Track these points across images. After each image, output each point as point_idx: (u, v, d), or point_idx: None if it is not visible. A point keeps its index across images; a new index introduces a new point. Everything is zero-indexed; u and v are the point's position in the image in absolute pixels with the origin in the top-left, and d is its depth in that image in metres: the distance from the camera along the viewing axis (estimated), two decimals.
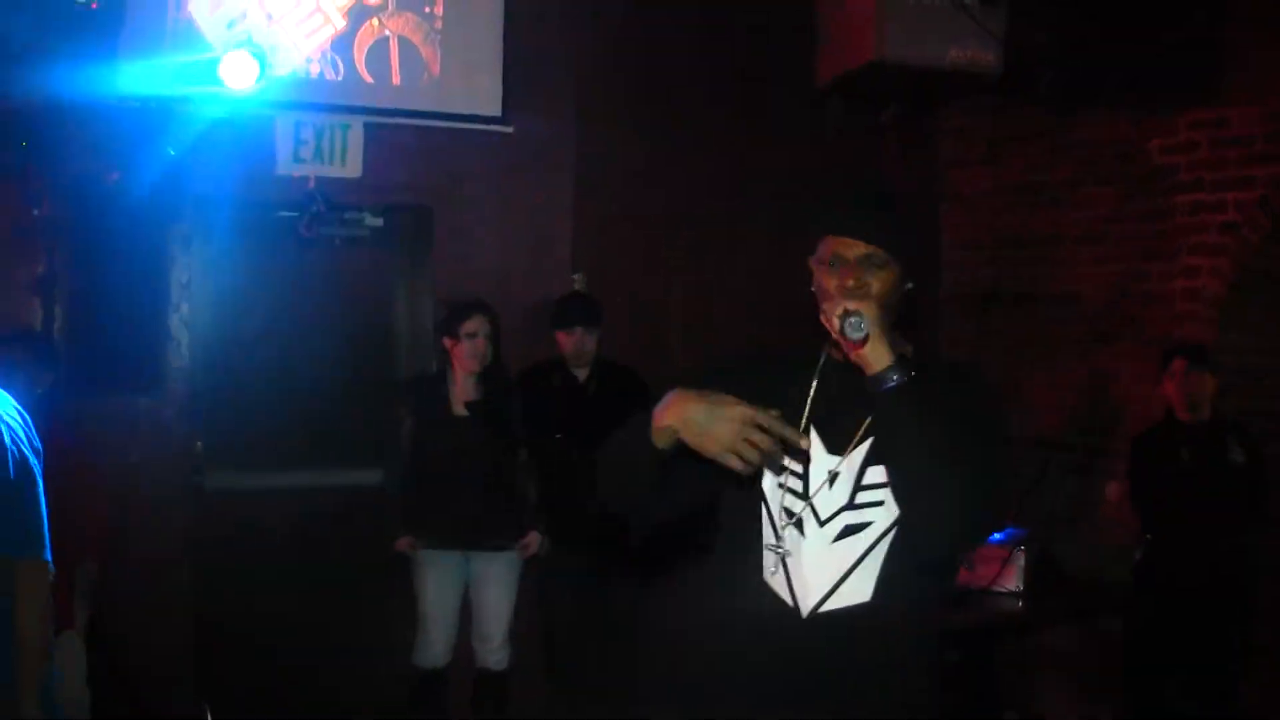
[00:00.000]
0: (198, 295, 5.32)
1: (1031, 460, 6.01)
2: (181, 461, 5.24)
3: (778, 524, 2.43)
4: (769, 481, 2.46)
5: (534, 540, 5.01)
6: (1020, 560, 4.87)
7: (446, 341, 4.97)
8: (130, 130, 4.79)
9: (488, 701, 5.13)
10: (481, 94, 5.56)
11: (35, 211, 4.91)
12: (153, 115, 4.88)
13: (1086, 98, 5.86)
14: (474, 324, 4.91)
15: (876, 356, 2.24)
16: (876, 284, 2.36)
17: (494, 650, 5.07)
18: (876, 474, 2.37)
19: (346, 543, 5.43)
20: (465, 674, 5.16)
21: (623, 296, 5.72)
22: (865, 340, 2.23)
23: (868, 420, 2.37)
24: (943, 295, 6.78)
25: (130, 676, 4.99)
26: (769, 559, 2.43)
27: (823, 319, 2.31)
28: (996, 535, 4.98)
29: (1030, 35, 5.77)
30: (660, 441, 2.23)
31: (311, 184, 5.30)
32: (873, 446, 2.38)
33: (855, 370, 2.32)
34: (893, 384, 2.23)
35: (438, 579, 4.98)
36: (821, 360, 2.49)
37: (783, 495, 2.43)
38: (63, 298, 5.02)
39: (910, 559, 2.35)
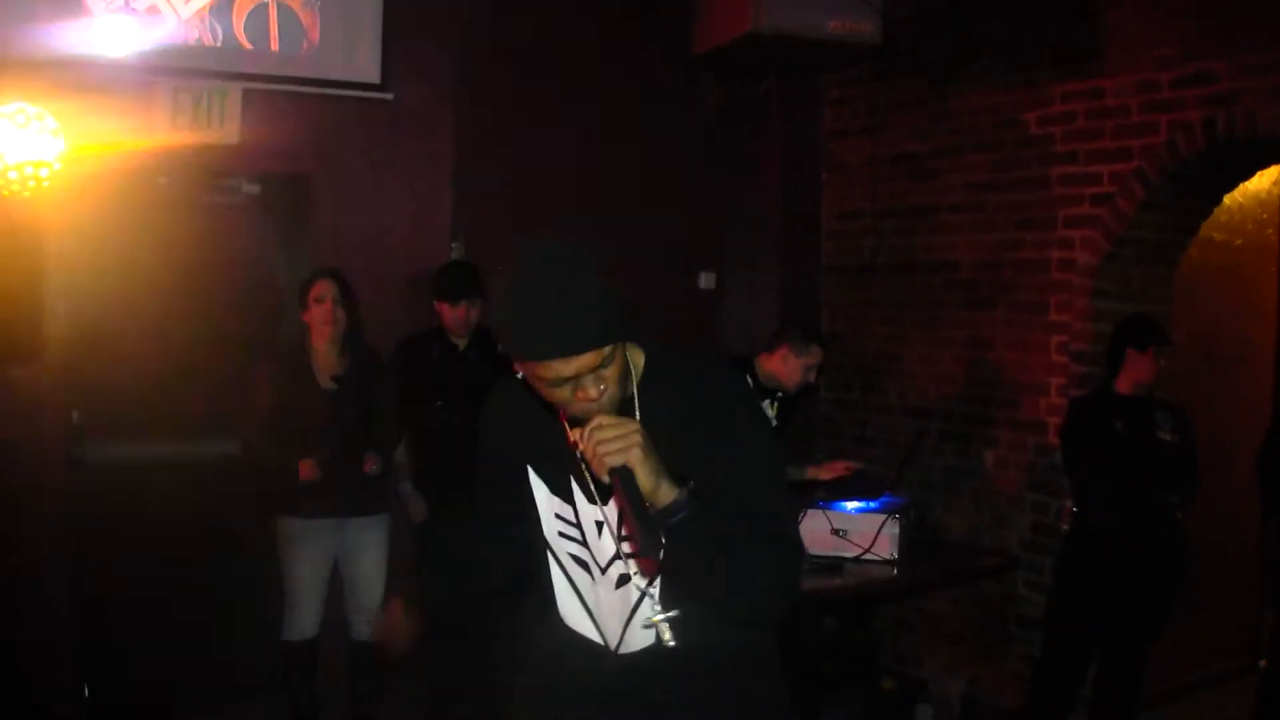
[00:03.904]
0: (73, 264, 5.23)
1: (909, 428, 6.08)
2: (59, 433, 5.17)
3: (567, 569, 2.39)
4: (549, 528, 2.39)
5: (372, 460, 4.93)
6: (894, 529, 4.93)
7: (302, 314, 4.95)
8: (3, 95, 4.70)
9: (365, 672, 5.13)
10: (361, 61, 5.49)
11: None
12: (29, 81, 4.79)
13: (964, 67, 5.92)
14: (320, 288, 4.89)
15: (660, 494, 2.00)
16: (611, 377, 2.11)
17: (370, 621, 5.07)
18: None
19: (228, 512, 5.42)
20: (332, 644, 5.15)
21: (503, 264, 5.67)
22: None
23: None
24: (824, 264, 6.84)
25: (9, 652, 4.96)
26: (570, 602, 2.41)
27: (572, 436, 2.13)
28: (873, 504, 5.06)
29: (908, 5, 5.82)
30: None
31: (189, 151, 5.24)
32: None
33: None
34: (681, 516, 2.00)
35: (308, 551, 4.94)
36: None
37: (565, 542, 2.37)
38: None
39: (688, 606, 2.22)
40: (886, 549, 4.92)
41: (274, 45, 5.38)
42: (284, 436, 4.82)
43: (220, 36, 5.28)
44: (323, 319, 4.88)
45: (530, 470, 2.40)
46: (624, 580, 2.32)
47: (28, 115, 4.63)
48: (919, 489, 5.94)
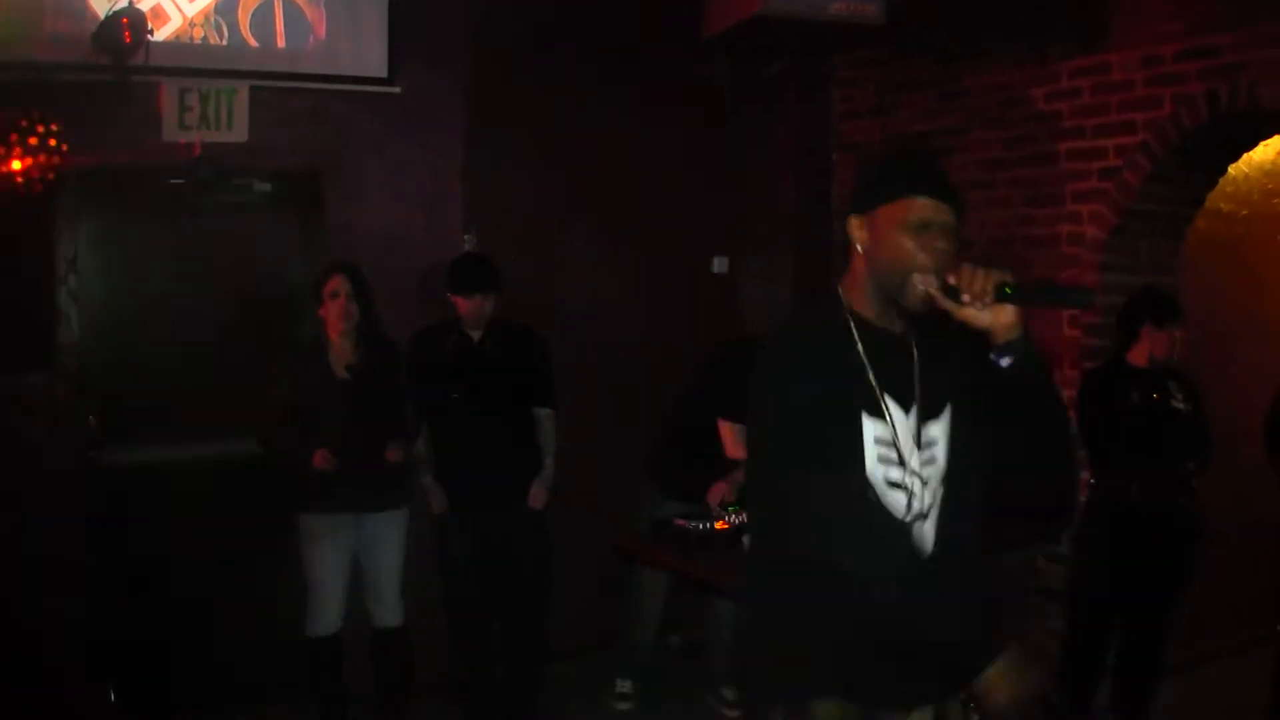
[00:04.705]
0: (86, 267, 5.23)
1: None
2: (75, 437, 5.15)
3: (885, 498, 2.40)
4: (871, 459, 2.39)
5: (395, 450, 4.91)
6: None
7: (317, 309, 4.95)
8: (9, 100, 4.68)
9: (390, 658, 5.13)
10: (368, 55, 5.52)
11: None
12: (33, 84, 4.77)
13: (972, 46, 5.94)
14: (334, 283, 4.89)
15: (1010, 325, 2.29)
16: (951, 248, 2.38)
17: (390, 608, 5.07)
18: (932, 430, 2.44)
19: (247, 512, 5.41)
20: (357, 637, 5.12)
21: (517, 255, 5.70)
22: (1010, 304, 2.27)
23: (917, 376, 2.45)
24: (835, 245, 6.82)
25: (34, 653, 4.94)
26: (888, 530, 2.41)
27: (926, 284, 2.33)
28: None
29: None
30: None
31: (198, 150, 5.24)
32: (923, 403, 2.44)
33: (886, 328, 2.45)
34: (1021, 352, 2.29)
35: (329, 547, 4.93)
36: (851, 320, 2.47)
37: (884, 468, 2.40)
38: None
39: (963, 514, 2.45)
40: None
41: (280, 42, 5.40)
42: (299, 429, 4.81)
43: (226, 35, 5.29)
44: (337, 313, 4.88)
45: (855, 404, 2.41)
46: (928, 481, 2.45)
47: (34, 118, 4.62)
48: None
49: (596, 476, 5.90)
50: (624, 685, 5.72)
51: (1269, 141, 5.80)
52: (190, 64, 5.22)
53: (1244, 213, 6.32)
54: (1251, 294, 6.47)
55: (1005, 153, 5.86)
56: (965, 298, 2.28)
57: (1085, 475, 5.31)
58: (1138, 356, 5.01)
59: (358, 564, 5.05)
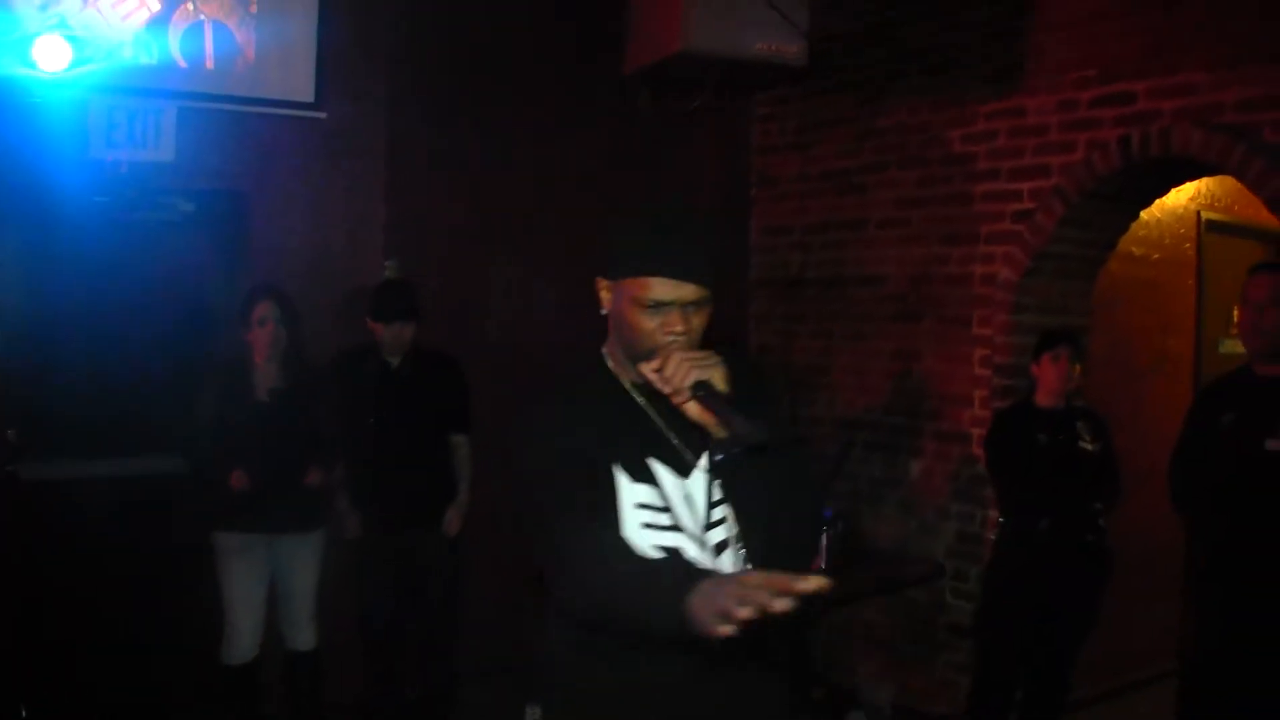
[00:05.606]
0: (8, 281, 5.22)
1: (837, 439, 6.18)
2: None
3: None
4: (632, 524, 2.30)
5: (314, 473, 4.91)
6: (823, 541, 5.00)
7: (244, 333, 4.96)
8: None
9: (302, 682, 5.15)
10: (295, 79, 5.53)
11: None
12: None
13: (891, 86, 6.05)
14: (262, 309, 4.91)
15: (713, 424, 2.19)
16: (697, 324, 2.26)
17: (303, 630, 5.09)
18: (717, 489, 2.33)
19: (167, 531, 5.38)
20: (270, 658, 5.14)
21: (437, 281, 5.78)
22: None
23: (687, 435, 2.33)
24: (751, 279, 6.94)
25: None
26: None
27: (643, 368, 2.24)
28: None
29: (838, 24, 5.95)
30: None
31: (124, 169, 5.26)
32: (708, 464, 2.33)
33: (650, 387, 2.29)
34: (734, 454, 2.18)
35: (245, 566, 4.94)
36: (627, 385, 2.38)
37: (650, 533, 2.30)
38: None
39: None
40: (819, 561, 4.99)
41: (209, 63, 5.40)
42: (219, 449, 4.82)
43: (156, 54, 5.29)
44: (265, 339, 4.90)
45: (613, 466, 2.31)
46: (721, 547, 2.34)
47: None
48: (848, 499, 6.04)
49: (511, 503, 5.92)
50: (534, 712, 5.75)
51: (1180, 187, 5.93)
52: (119, 83, 5.22)
53: (1155, 256, 6.44)
54: (1161, 336, 6.58)
55: (921, 191, 5.96)
56: (666, 389, 2.20)
57: (994, 514, 5.40)
58: (1043, 397, 5.10)
59: (272, 586, 5.08)
